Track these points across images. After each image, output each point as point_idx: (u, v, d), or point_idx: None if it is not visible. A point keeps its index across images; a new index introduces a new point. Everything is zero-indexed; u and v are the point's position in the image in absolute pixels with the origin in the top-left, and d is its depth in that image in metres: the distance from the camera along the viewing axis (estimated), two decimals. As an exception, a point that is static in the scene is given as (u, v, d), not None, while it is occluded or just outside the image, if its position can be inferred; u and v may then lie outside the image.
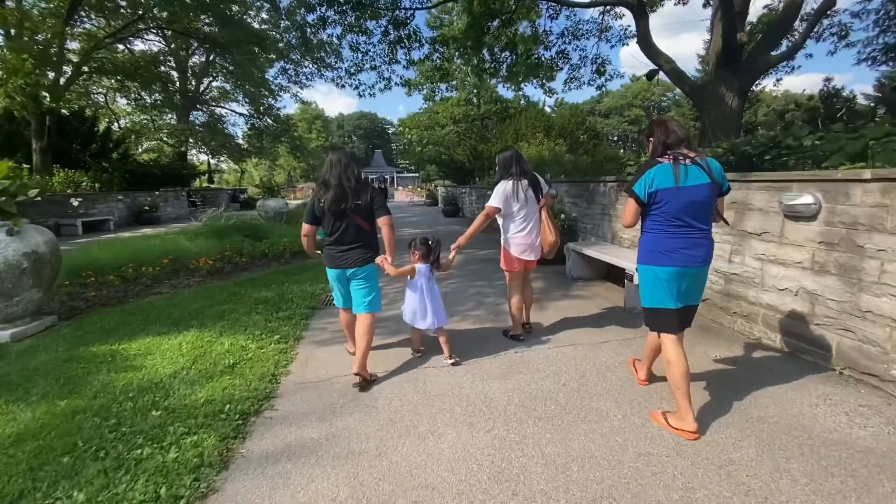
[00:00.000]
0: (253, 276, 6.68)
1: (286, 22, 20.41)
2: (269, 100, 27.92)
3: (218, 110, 28.45)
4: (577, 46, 11.83)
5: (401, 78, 12.30)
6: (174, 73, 23.34)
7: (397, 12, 10.16)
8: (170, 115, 25.83)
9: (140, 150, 27.64)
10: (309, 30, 11.06)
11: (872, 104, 22.58)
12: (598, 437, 2.34)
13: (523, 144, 16.13)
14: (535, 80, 24.41)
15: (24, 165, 10.61)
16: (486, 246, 8.15)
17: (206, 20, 18.89)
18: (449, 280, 5.98)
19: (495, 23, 10.80)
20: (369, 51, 10.94)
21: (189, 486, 2.03)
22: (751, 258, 3.69)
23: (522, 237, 3.56)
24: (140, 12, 16.65)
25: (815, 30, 9.67)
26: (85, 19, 16.85)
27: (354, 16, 9.89)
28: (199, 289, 5.91)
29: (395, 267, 3.09)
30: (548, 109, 23.54)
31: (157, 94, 22.07)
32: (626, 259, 4.70)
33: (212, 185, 30.29)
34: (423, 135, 27.93)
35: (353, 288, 3.12)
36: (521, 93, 27.11)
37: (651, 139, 2.44)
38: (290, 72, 26.93)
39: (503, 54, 11.83)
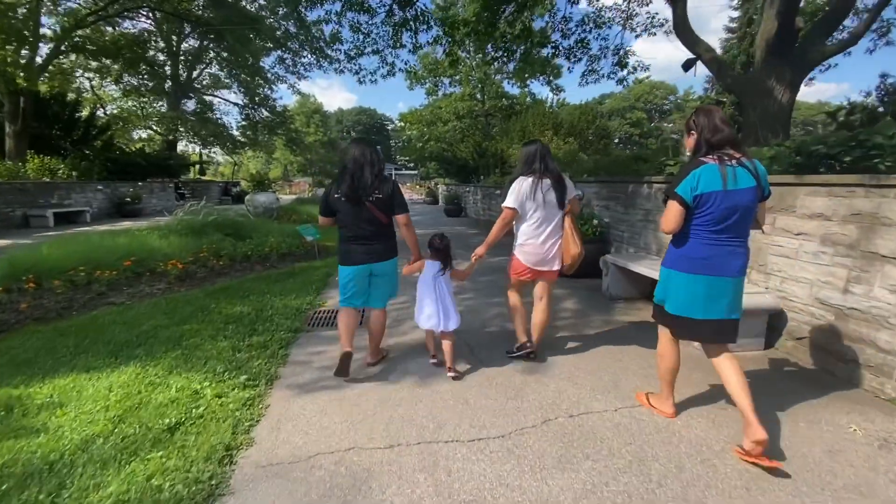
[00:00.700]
0: (230, 282, 5.68)
1: (284, 9, 19.37)
2: (266, 90, 26.87)
3: (210, 99, 27.32)
4: (599, 35, 10.83)
5: (405, 63, 11.19)
6: (162, 57, 22.11)
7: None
8: (160, 103, 24.70)
9: (134, 139, 26.57)
10: (304, 4, 9.98)
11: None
12: None
13: (532, 142, 15.18)
14: (542, 77, 23.62)
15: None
16: (498, 251, 7.19)
17: (199, 1, 17.78)
18: (462, 295, 5.00)
19: (510, 7, 9.81)
20: (371, 32, 9.91)
21: None
22: (883, 289, 2.74)
23: (536, 245, 3.06)
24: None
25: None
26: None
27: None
28: (161, 299, 4.91)
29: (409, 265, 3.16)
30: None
31: (143, 79, 20.88)
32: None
33: (203, 177, 29.07)
34: (425, 131, 26.90)
35: (375, 283, 3.07)
36: (527, 89, 26.26)
37: (693, 133, 2.25)
38: (287, 61, 25.93)
39: (516, 43, 10.80)
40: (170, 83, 23.76)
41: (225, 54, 22.37)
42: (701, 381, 2.94)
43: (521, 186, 3.02)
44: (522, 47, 10.88)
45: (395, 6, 9.42)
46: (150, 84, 22.96)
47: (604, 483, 1.96)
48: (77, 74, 19.69)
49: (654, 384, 2.82)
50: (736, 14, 24.17)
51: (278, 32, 22.46)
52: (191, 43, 24.34)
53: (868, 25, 7.92)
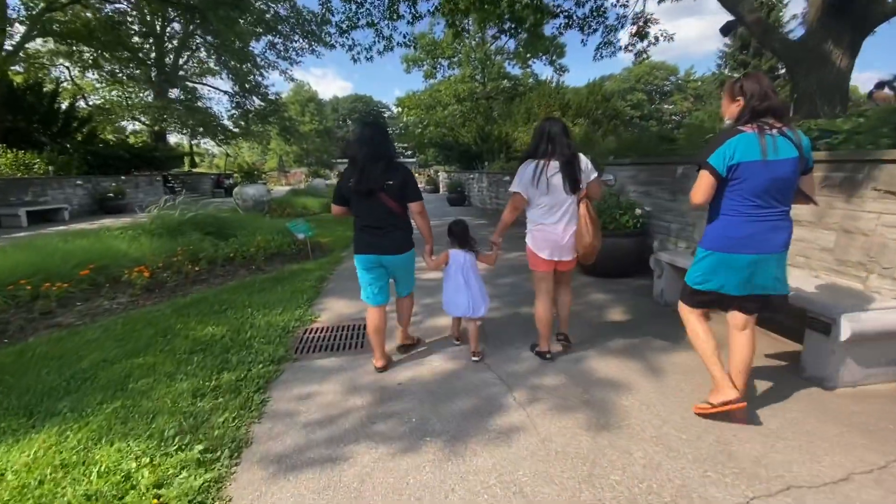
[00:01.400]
0: (206, 292, 4.81)
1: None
2: (257, 76, 25.67)
3: (199, 87, 26.14)
4: (617, 2, 9.78)
5: (404, 37, 10.10)
6: (139, 40, 20.82)
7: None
8: (146, 92, 23.53)
9: (124, 131, 25.42)
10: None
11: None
12: None
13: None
14: (544, 57, 22.45)
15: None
16: (513, 246, 6.31)
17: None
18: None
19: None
20: (365, 1, 8.85)
21: None
22: None
23: (546, 233, 2.87)
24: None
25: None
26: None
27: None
28: (118, 318, 4.04)
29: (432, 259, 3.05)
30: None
31: (126, 66, 19.73)
32: (803, 284, 2.87)
33: (195, 170, 27.99)
34: (424, 116, 25.75)
35: (398, 276, 2.98)
36: (529, 69, 25.11)
37: (738, 100, 2.07)
38: (278, 46, 24.73)
39: (525, 13, 9.71)
40: (155, 71, 22.61)
41: (210, 38, 21.14)
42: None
43: (525, 171, 2.84)
44: (532, 18, 9.83)
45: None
46: (135, 72, 21.81)
47: None
48: (50, 61, 18.51)
49: (787, 435, 1.96)
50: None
51: (267, 15, 21.29)
52: (175, 28, 23.12)
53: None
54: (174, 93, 24.85)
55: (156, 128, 21.79)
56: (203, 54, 24.81)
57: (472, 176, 16.04)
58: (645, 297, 4.29)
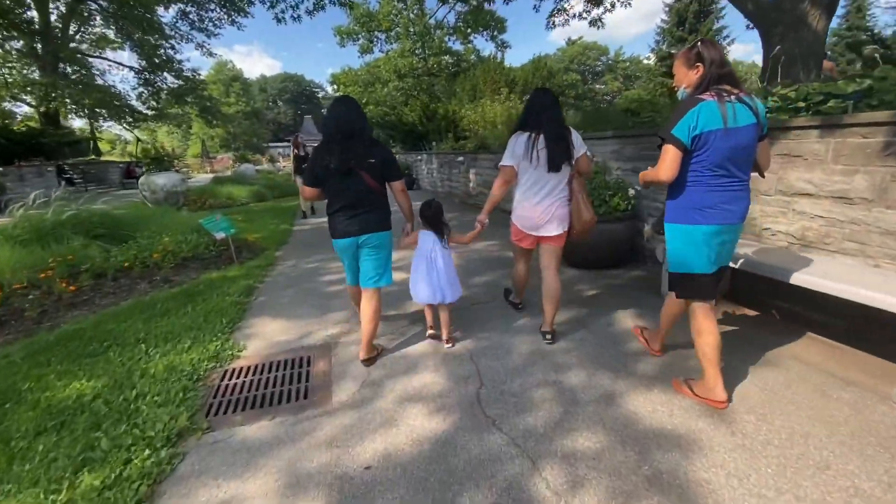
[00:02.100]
0: (85, 321, 3.54)
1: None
2: (167, 50, 22.63)
3: (98, 63, 22.68)
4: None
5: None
6: (9, 2, 17.37)
7: None
8: (31, 68, 19.94)
9: (11, 116, 21.57)
10: None
11: None
12: None
13: (486, 102, 13.42)
14: (485, 32, 21.57)
15: None
16: (492, 234, 5.47)
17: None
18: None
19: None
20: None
21: None
22: None
23: (529, 208, 2.76)
24: None
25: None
26: None
27: None
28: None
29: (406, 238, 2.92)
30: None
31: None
32: (833, 278, 2.23)
33: (101, 158, 24.49)
34: (362, 93, 24.04)
35: (363, 257, 2.70)
36: (471, 44, 24.09)
37: (698, 67, 1.98)
38: (192, 15, 21.86)
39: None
40: (40, 43, 19.12)
41: (104, 2, 18.11)
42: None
43: (515, 143, 2.72)
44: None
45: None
46: (15, 43, 18.31)
47: None
48: None
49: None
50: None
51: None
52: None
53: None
54: (68, 69, 21.33)
55: (42, 109, 18.49)
56: (99, 22, 21.35)
57: (419, 157, 14.99)
58: (650, 294, 3.60)
